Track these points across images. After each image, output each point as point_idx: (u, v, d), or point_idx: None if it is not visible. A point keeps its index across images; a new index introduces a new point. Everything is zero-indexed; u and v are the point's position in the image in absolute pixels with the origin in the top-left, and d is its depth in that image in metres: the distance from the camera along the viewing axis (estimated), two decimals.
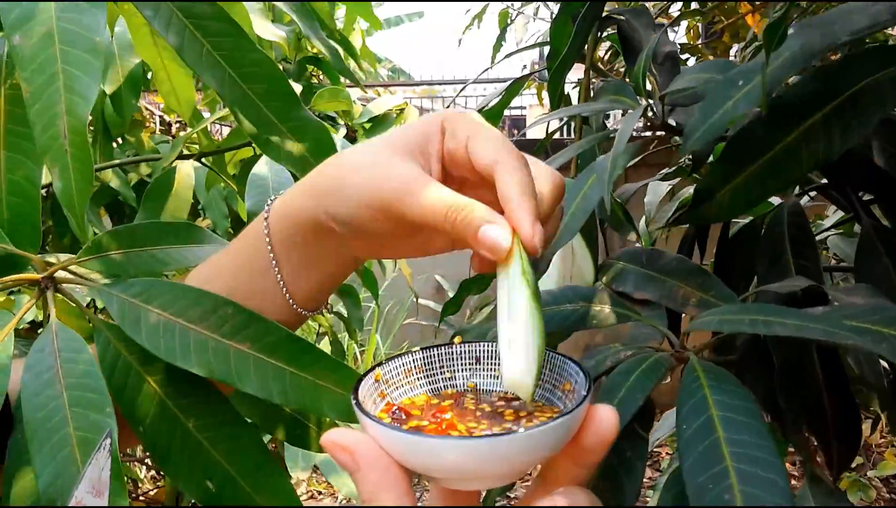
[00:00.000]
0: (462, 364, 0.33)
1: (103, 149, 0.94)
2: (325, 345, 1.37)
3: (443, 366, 0.33)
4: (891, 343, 0.29)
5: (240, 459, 0.40)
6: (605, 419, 0.27)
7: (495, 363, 0.33)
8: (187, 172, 0.76)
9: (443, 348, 0.33)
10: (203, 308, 0.40)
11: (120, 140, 1.18)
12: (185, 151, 0.94)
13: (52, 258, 0.58)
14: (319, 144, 0.48)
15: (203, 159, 0.91)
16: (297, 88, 0.91)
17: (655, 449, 2.83)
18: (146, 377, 0.41)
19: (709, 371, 0.33)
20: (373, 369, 0.32)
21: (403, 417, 0.30)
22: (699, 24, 2.18)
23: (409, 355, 0.33)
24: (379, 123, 1.36)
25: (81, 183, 0.37)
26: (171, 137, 1.21)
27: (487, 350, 0.33)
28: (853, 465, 2.52)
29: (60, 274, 0.44)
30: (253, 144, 0.78)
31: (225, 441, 0.40)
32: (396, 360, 0.33)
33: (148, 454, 0.39)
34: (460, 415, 0.30)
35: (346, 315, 1.53)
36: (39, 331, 0.41)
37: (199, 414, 0.41)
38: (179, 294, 0.40)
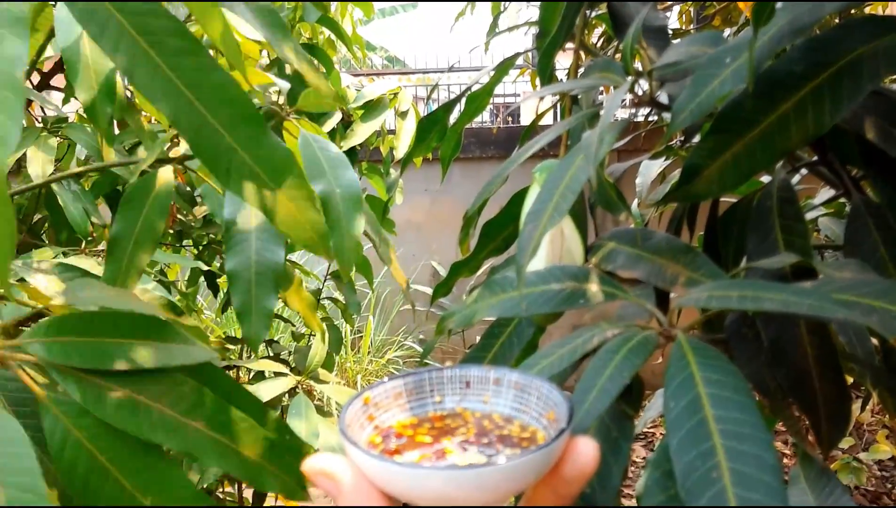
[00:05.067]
0: (452, 388, 0.33)
1: (105, 132, 0.92)
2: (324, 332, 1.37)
3: (433, 390, 0.33)
4: (880, 316, 0.28)
5: None
6: (585, 452, 0.27)
7: (485, 388, 0.33)
8: (167, 177, 0.73)
9: (433, 372, 0.34)
10: (162, 387, 0.42)
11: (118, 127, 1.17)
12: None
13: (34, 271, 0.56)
14: (286, 176, 0.44)
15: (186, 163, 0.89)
16: (285, 85, 0.88)
17: (649, 430, 2.84)
18: (98, 455, 0.41)
19: (696, 349, 0.32)
20: (361, 392, 0.32)
21: (393, 440, 0.30)
22: (691, 9, 2.17)
23: (400, 378, 0.33)
24: (373, 108, 1.35)
25: (3, 240, 0.33)
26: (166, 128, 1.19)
27: (477, 375, 0.33)
28: (845, 447, 2.53)
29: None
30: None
31: None
32: (386, 384, 0.33)
33: None
34: (448, 440, 0.30)
35: (342, 301, 1.53)
36: None
37: (155, 491, 0.41)
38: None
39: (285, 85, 0.85)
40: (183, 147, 0.96)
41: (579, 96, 0.55)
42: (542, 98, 0.81)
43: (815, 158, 0.50)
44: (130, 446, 0.41)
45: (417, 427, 0.31)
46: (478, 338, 0.53)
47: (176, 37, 0.41)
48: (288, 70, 1.14)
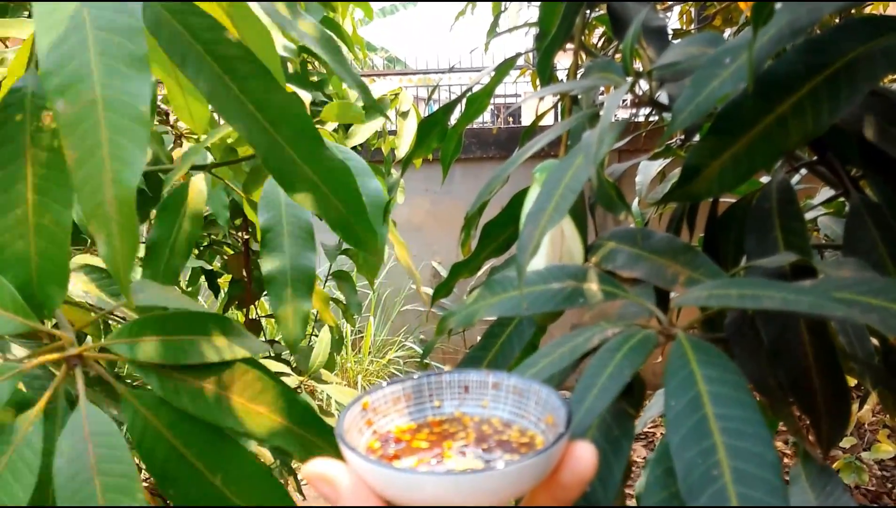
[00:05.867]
0: (451, 393, 0.33)
1: None
2: (324, 331, 1.37)
3: (432, 394, 0.33)
4: (880, 314, 0.28)
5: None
6: (583, 457, 0.27)
7: (483, 392, 0.33)
8: (200, 186, 0.76)
9: (432, 377, 0.34)
10: (230, 377, 0.48)
11: None
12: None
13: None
14: (342, 186, 0.49)
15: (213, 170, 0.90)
16: (307, 96, 0.89)
17: (650, 430, 2.84)
18: (174, 441, 0.45)
19: (696, 347, 0.32)
20: (360, 397, 0.32)
21: (392, 445, 0.30)
22: (692, 9, 2.17)
23: (399, 383, 0.33)
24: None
25: (126, 252, 0.37)
26: (169, 127, 1.19)
27: (476, 380, 0.33)
28: (847, 447, 2.53)
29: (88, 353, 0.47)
30: None
31: (249, 492, 0.46)
32: (385, 388, 0.33)
33: None
34: (447, 445, 0.30)
35: (343, 301, 1.53)
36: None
37: (225, 469, 0.46)
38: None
39: (307, 96, 0.86)
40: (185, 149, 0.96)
41: (579, 97, 0.55)
42: (542, 98, 0.81)
43: (815, 158, 0.50)
44: (201, 431, 0.46)
45: (416, 433, 0.31)
46: (478, 338, 0.53)
47: (245, 62, 0.45)
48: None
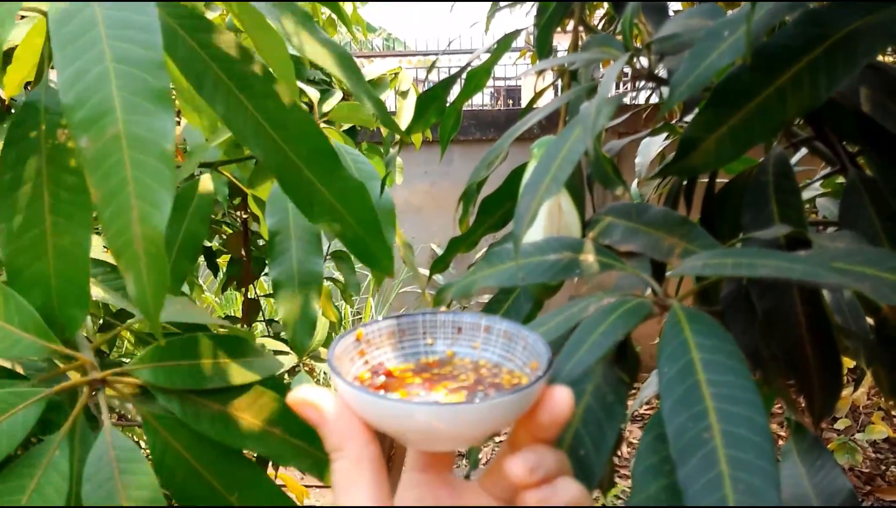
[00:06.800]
0: (444, 332, 0.34)
1: None
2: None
3: (425, 332, 0.34)
4: (872, 282, 0.29)
5: None
6: (559, 399, 0.29)
7: (475, 334, 0.34)
8: (207, 185, 0.76)
9: (427, 315, 0.34)
10: (247, 400, 0.49)
11: None
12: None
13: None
14: (358, 205, 0.50)
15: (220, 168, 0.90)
16: (315, 94, 0.88)
17: (646, 412, 2.86)
18: (193, 462, 0.47)
19: (691, 316, 0.33)
20: (355, 328, 0.33)
21: (382, 378, 0.32)
22: None
23: (394, 319, 0.34)
24: (373, 87, 1.35)
25: (156, 292, 0.36)
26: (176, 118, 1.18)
27: (469, 321, 0.34)
28: (841, 428, 2.55)
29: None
30: None
31: None
32: (380, 322, 0.34)
33: None
34: (436, 381, 0.31)
35: (342, 281, 1.53)
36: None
37: (241, 488, 0.47)
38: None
39: (315, 93, 0.86)
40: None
41: (579, 72, 0.55)
42: (540, 74, 0.81)
43: (813, 134, 0.50)
44: (219, 453, 0.47)
45: (406, 370, 0.32)
46: None
47: (261, 83, 0.45)
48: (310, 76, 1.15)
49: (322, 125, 0.82)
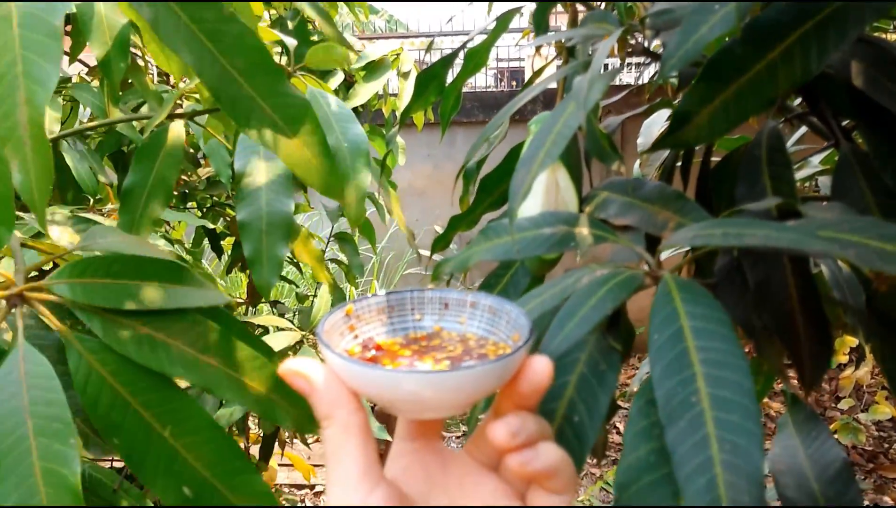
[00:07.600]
0: (432, 308, 0.36)
1: (110, 92, 0.92)
2: (324, 289, 1.39)
3: (414, 308, 0.36)
4: (857, 249, 0.29)
5: (216, 463, 0.42)
6: (538, 369, 0.30)
7: (461, 309, 0.35)
8: (178, 132, 0.75)
9: (415, 292, 0.36)
10: (180, 326, 0.45)
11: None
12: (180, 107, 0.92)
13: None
14: (301, 123, 0.46)
15: (196, 118, 0.90)
16: (292, 42, 0.88)
17: None
18: (119, 389, 0.42)
19: (681, 286, 0.33)
20: (345, 304, 0.34)
21: (371, 352, 0.33)
22: None
23: (384, 295, 0.35)
24: (375, 69, 1.35)
25: (41, 177, 0.35)
26: (170, 87, 1.20)
27: (455, 297, 0.35)
28: (845, 408, 2.56)
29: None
30: None
31: (200, 447, 0.43)
32: (370, 298, 0.35)
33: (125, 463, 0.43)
34: (424, 353, 0.32)
35: (346, 262, 1.54)
36: None
37: (174, 421, 0.42)
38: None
39: (292, 42, 0.86)
40: (187, 106, 0.96)
41: (576, 48, 0.55)
42: (538, 51, 0.81)
43: (808, 109, 0.51)
44: (150, 381, 0.43)
45: (395, 343, 0.34)
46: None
47: None
48: (290, 26, 1.14)
49: (299, 73, 0.82)
